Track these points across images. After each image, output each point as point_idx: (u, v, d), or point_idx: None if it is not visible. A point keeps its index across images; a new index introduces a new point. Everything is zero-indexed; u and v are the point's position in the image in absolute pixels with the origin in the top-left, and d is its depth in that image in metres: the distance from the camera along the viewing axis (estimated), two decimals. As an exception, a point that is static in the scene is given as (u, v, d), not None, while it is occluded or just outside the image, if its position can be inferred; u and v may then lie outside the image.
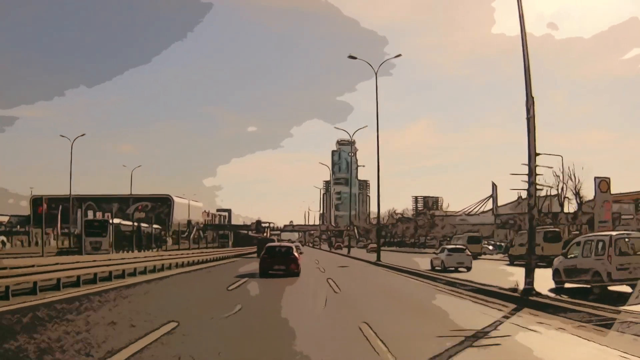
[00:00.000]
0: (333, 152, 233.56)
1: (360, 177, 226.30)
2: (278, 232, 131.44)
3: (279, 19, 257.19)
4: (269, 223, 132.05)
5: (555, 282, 14.77)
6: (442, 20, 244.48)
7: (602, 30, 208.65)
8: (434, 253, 27.29)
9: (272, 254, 20.13)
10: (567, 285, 14.29)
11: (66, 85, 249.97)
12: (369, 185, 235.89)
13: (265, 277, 18.80)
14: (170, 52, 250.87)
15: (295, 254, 20.30)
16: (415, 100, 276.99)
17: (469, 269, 23.15)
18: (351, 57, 33.06)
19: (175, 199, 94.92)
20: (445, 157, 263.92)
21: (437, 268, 23.90)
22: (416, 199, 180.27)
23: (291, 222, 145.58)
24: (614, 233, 14.44)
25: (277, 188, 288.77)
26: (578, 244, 14.60)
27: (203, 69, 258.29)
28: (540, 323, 8.31)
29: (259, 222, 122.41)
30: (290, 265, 19.47)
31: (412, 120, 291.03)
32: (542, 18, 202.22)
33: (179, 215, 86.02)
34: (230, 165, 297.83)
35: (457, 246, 27.37)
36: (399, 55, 34.62)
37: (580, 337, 6.99)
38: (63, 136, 58.42)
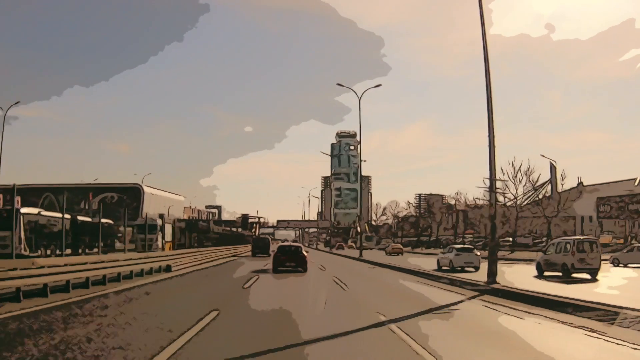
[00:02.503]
0: (332, 145, 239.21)
1: (363, 172, 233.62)
2: (271, 228, 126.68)
3: (275, 19, 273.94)
4: (259, 218, 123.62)
5: (538, 271, 22.55)
6: (439, 21, 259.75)
7: (600, 32, 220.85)
8: (441, 253, 29.32)
9: (284, 252, 24.91)
10: (545, 273, 22.07)
11: (63, 85, 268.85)
12: (370, 182, 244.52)
13: (276, 272, 22.93)
14: (168, 52, 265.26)
15: (304, 253, 25.09)
16: (413, 101, 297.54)
17: (477, 268, 24.65)
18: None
19: (146, 189, 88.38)
20: (442, 158, 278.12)
21: (444, 268, 26.07)
22: (420, 196, 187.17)
23: (288, 221, 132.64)
24: (579, 237, 22.47)
25: (274, 188, 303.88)
26: (553, 244, 22.53)
27: (200, 69, 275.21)
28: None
29: (245, 217, 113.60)
30: (299, 262, 24.10)
31: (410, 121, 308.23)
32: (539, 19, 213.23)
33: (152, 210, 76.40)
34: (227, 165, 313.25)
35: (466, 246, 30.07)
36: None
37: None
38: None
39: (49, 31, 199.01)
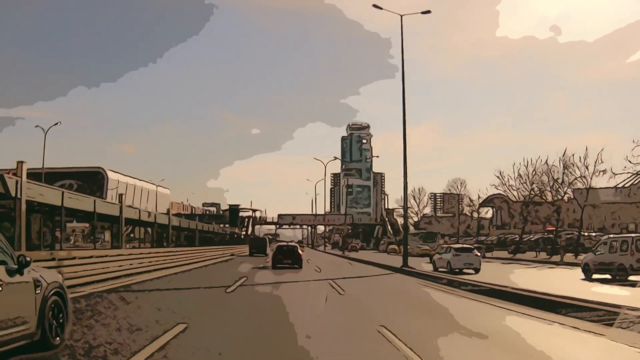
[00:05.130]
0: (343, 138, 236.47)
1: (376, 169, 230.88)
2: (272, 224, 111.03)
3: (282, 21, 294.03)
4: (254, 211, 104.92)
5: (585, 274, 20.85)
6: (446, 23, 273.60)
7: (606, 33, 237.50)
8: (438, 253, 28.96)
9: (281, 252, 28.87)
10: (594, 275, 20.25)
11: (68, 85, 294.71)
12: (384, 179, 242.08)
13: (275, 269, 26.41)
14: (174, 53, 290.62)
15: (299, 252, 29.06)
16: (418, 102, 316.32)
17: (477, 270, 24.32)
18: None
19: (111, 175, 75.14)
20: (448, 159, 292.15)
21: (440, 269, 25.54)
22: (435, 195, 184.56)
23: (293, 215, 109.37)
24: (634, 235, 20.44)
25: (282, 190, 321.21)
26: (605, 243, 20.61)
27: (206, 71, 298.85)
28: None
29: (233, 210, 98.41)
30: (295, 260, 28.05)
31: (416, 122, 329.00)
32: (545, 21, 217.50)
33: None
34: (234, 167, 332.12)
35: (465, 246, 28.67)
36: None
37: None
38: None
39: (54, 32, 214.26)
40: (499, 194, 62.90)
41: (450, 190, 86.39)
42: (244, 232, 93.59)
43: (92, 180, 71.75)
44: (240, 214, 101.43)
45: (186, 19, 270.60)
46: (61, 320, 6.58)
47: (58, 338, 6.44)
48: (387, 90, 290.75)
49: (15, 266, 5.83)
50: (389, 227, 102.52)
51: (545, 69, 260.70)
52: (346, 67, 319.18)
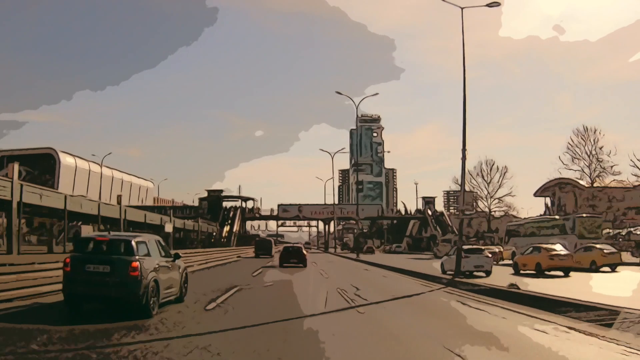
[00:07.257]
0: (352, 131, 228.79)
1: (387, 164, 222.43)
2: (272, 219, 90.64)
3: (286, 23, 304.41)
4: (243, 200, 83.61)
5: None
6: (449, 23, 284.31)
7: (609, 33, 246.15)
8: (446, 255, 28.88)
9: (288, 252, 33.29)
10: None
11: (73, 89, 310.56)
12: (396, 175, 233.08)
13: (282, 267, 30.24)
14: (178, 56, 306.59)
15: (304, 252, 33.16)
16: (423, 103, 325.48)
17: (488, 273, 23.87)
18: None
19: (64, 159, 63.99)
20: (452, 160, 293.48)
21: (449, 272, 24.51)
22: (448, 193, 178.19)
23: (299, 206, 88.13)
24: None
25: (288, 191, 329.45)
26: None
27: (210, 74, 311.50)
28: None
29: (214, 198, 78.60)
30: (300, 259, 32.28)
31: (420, 123, 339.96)
32: (548, 20, 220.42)
33: (79, 189, 58.21)
34: (239, 169, 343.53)
35: (475, 247, 28.84)
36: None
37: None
38: None
39: (58, 35, 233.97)
40: (564, 178, 58.01)
41: (480, 172, 75.00)
42: (227, 230, 73.16)
43: (42, 165, 61.22)
44: (225, 204, 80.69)
45: (190, 21, 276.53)
46: (186, 287, 13.38)
47: (185, 297, 13.05)
48: (392, 91, 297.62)
49: (172, 257, 12.43)
50: (431, 221, 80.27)
51: (550, 68, 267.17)
52: (351, 69, 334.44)
